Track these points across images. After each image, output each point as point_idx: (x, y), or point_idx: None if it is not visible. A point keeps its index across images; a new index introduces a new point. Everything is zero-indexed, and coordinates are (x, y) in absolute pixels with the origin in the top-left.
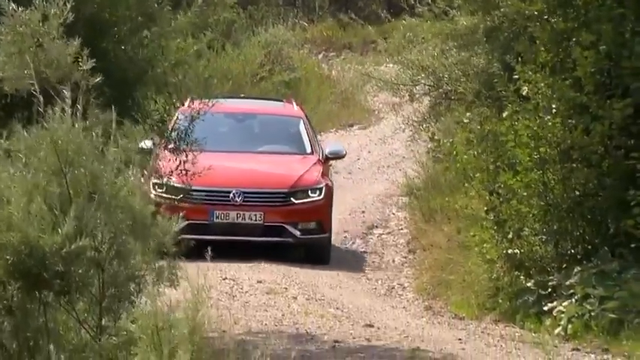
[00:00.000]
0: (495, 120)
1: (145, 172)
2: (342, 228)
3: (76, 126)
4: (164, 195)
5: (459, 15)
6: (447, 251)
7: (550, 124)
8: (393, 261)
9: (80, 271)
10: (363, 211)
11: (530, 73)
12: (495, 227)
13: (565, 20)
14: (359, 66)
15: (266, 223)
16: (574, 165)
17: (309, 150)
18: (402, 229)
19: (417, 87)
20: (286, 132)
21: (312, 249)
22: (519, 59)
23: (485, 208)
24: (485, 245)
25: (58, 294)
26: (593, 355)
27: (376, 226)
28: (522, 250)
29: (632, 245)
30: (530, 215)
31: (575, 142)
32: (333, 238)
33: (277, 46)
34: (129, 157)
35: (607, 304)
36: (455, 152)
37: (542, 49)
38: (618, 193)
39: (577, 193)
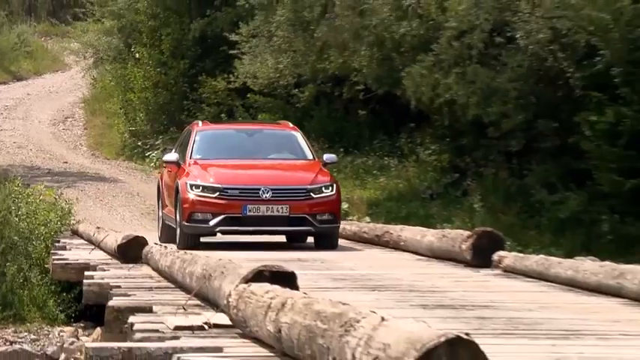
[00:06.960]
0: (124, 68)
1: None
2: (53, 117)
3: None
4: (201, 194)
5: (107, 20)
6: (101, 128)
7: (149, 70)
8: (77, 133)
9: None
10: (63, 110)
11: (139, 47)
12: (125, 116)
13: (160, 21)
14: (61, 44)
15: (291, 215)
16: (159, 90)
17: (310, 157)
18: (81, 118)
19: (87, 53)
20: (289, 143)
21: (325, 236)
22: (134, 41)
23: (120, 107)
24: (119, 125)
25: None
26: None
27: (68, 117)
28: (135, 128)
29: None
30: (142, 112)
31: (159, 80)
32: (38, 121)
33: (23, 34)
34: None
35: None
36: (103, 84)
37: (145, 36)
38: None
39: (161, 103)
